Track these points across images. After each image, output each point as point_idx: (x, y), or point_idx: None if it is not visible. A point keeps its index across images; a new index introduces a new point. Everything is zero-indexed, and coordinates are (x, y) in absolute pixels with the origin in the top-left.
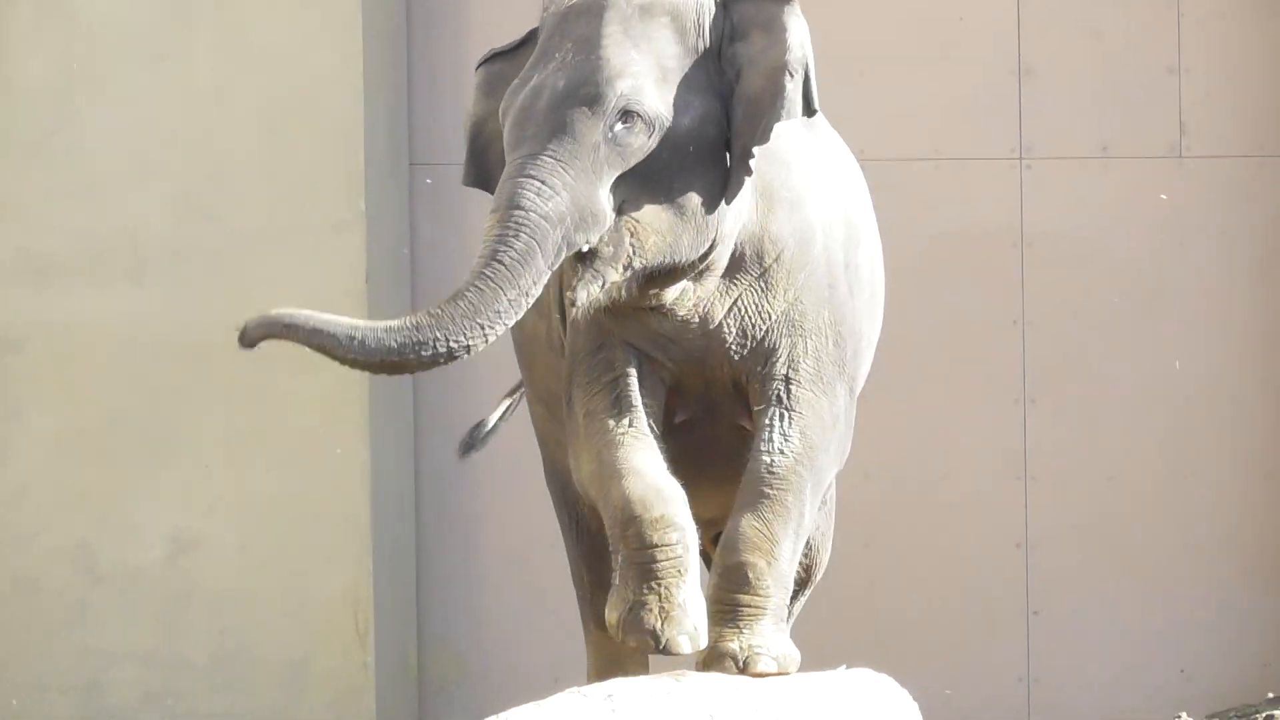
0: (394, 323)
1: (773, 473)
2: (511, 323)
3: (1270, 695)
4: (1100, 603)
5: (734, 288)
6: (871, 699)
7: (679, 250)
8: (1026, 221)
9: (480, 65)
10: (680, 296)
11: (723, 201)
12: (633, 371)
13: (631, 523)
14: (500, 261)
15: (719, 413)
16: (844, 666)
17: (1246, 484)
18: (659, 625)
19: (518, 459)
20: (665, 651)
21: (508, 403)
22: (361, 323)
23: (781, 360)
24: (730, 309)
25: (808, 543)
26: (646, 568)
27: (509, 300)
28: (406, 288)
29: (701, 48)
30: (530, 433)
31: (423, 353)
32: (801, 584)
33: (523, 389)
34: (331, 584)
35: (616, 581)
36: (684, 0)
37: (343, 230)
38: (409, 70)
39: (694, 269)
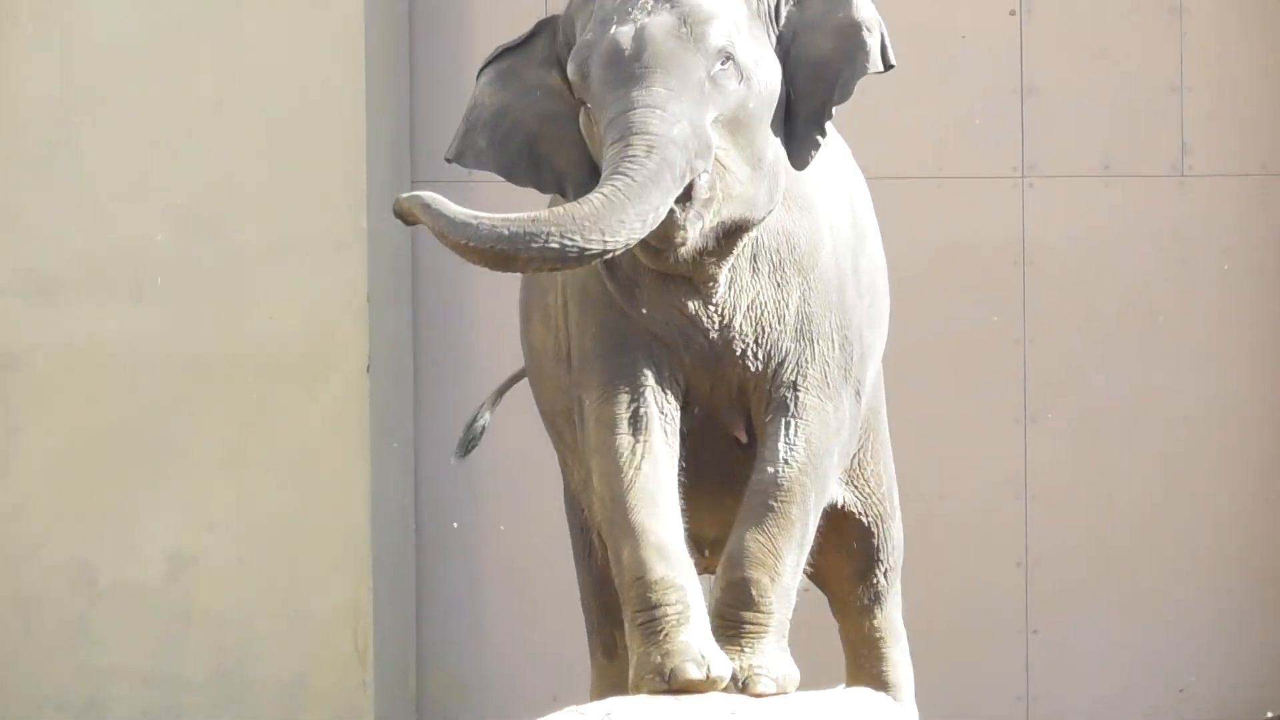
0: (514, 215)
1: (778, 484)
2: (636, 238)
3: (1269, 715)
4: (1099, 622)
5: (753, 285)
6: (870, 718)
7: (757, 203)
8: (1029, 239)
9: (488, 63)
10: (719, 278)
11: (790, 164)
12: (651, 376)
13: (635, 584)
14: (631, 177)
15: (717, 424)
16: (842, 685)
17: (1247, 504)
18: (663, 662)
19: (517, 479)
20: (675, 683)
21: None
22: (482, 213)
23: (789, 367)
24: (749, 308)
25: (868, 526)
26: (649, 627)
27: (636, 213)
28: (408, 306)
29: (763, 11)
30: (528, 454)
31: (533, 244)
32: (871, 565)
33: (508, 383)
34: (331, 602)
35: (628, 642)
36: None
37: (345, 248)
38: (411, 87)
39: (756, 226)
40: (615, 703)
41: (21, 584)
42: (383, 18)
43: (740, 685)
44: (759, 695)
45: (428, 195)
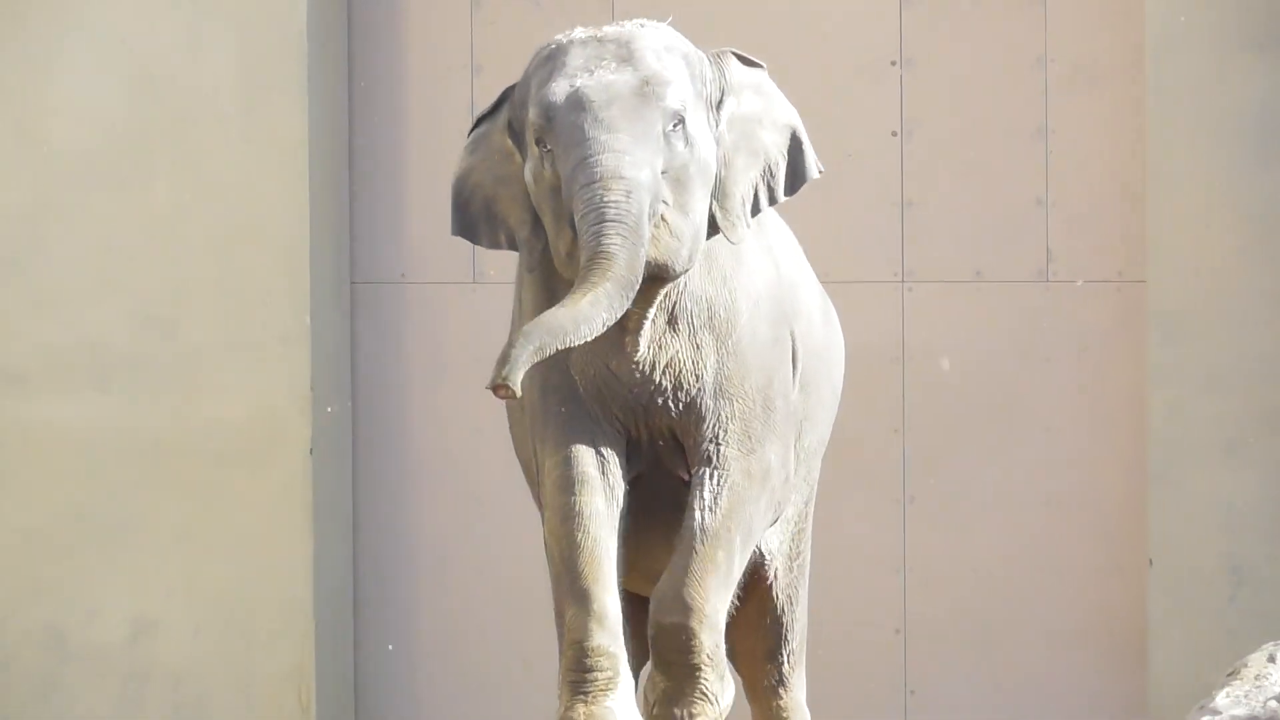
0: (579, 303)
1: (704, 529)
2: (638, 286)
3: None
4: (970, 683)
5: (671, 344)
6: None
7: (679, 258)
8: (907, 337)
9: (470, 131)
10: (641, 333)
11: (725, 238)
12: (594, 432)
13: (573, 646)
14: (625, 223)
15: (663, 466)
16: None
17: (1101, 578)
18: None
19: (448, 554)
20: None
21: None
22: (523, 344)
23: (709, 423)
24: (666, 365)
25: (778, 604)
26: (579, 686)
27: (641, 258)
28: (348, 395)
29: (704, 94)
30: (457, 526)
31: (611, 315)
32: (779, 642)
33: None
34: (277, 663)
35: (558, 692)
36: (690, 48)
37: (289, 342)
38: (350, 198)
39: (673, 283)
40: None
41: None
42: (324, 136)
43: None
44: None
45: (506, 373)
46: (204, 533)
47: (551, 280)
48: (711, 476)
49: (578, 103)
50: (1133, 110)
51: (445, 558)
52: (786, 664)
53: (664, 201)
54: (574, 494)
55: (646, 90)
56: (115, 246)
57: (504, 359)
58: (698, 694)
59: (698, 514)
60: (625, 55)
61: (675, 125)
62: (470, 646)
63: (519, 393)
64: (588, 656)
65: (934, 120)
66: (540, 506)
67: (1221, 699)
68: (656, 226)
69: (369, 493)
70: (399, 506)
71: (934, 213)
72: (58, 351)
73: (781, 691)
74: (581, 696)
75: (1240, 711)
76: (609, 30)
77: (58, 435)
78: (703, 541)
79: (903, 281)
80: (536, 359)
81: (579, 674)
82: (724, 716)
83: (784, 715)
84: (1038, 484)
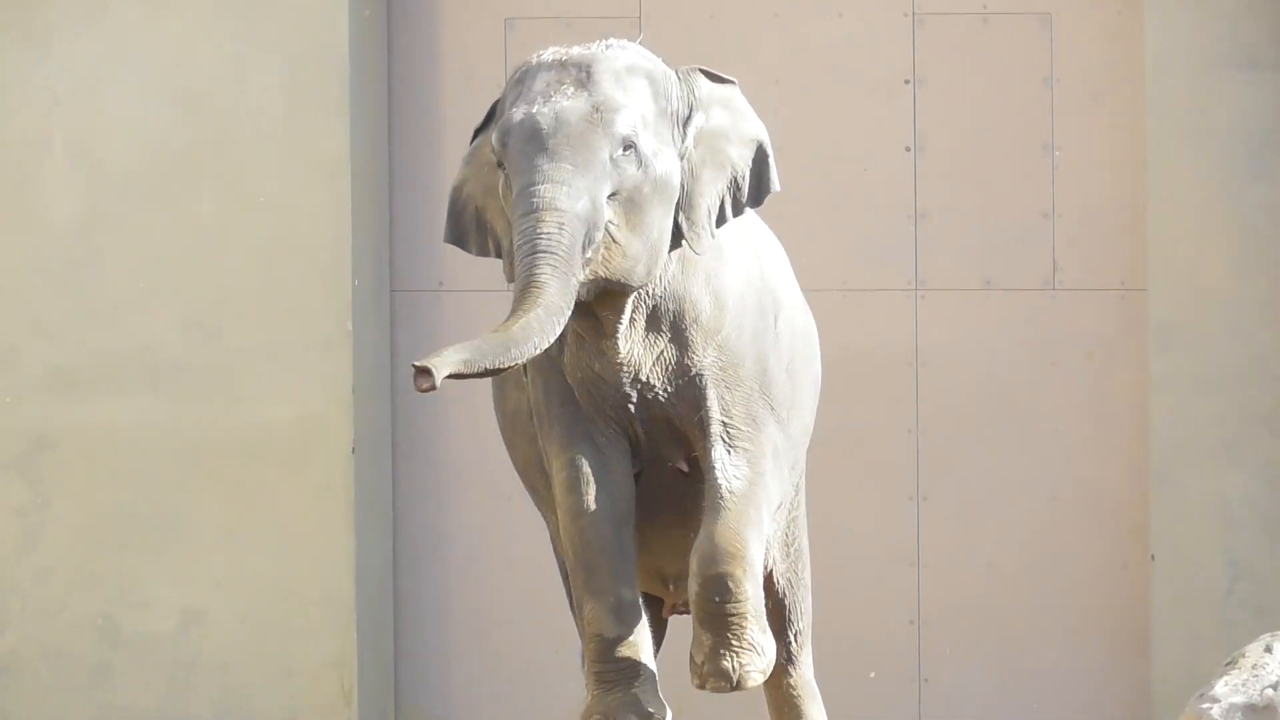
0: (510, 329)
1: (731, 491)
2: (566, 320)
3: None
4: (981, 672)
5: (658, 343)
6: None
7: (634, 274)
8: (920, 343)
9: (471, 140)
10: (618, 337)
11: (668, 249)
12: (598, 431)
13: (595, 639)
14: (557, 254)
15: (661, 458)
16: None
17: (1106, 571)
18: (610, 709)
19: (482, 549)
20: None
21: None
22: (457, 350)
23: (715, 406)
24: (655, 361)
25: (778, 587)
26: (603, 676)
27: (572, 287)
28: (387, 399)
29: (669, 111)
30: (494, 517)
31: (543, 340)
32: (784, 625)
33: None
34: (320, 652)
35: (585, 684)
36: (656, 66)
37: (332, 348)
38: (390, 210)
39: (638, 292)
40: None
41: (51, 637)
42: (365, 152)
43: (735, 684)
44: (752, 686)
45: (433, 362)
46: (250, 528)
47: None
48: (729, 451)
49: (528, 131)
50: (1134, 127)
51: (480, 552)
52: (794, 643)
53: (612, 223)
54: (582, 493)
55: (595, 117)
56: (165, 257)
57: (436, 354)
58: (745, 644)
59: (721, 480)
60: (583, 79)
61: (626, 149)
62: (503, 636)
63: (437, 385)
64: (611, 648)
65: (945, 136)
66: (544, 515)
67: (1220, 687)
68: (607, 248)
69: (407, 491)
70: (436, 504)
71: (945, 224)
72: (110, 356)
73: (791, 669)
74: (608, 686)
75: (1238, 699)
76: (574, 52)
77: (110, 436)
78: (733, 501)
79: (916, 289)
80: (462, 370)
81: (603, 665)
82: (769, 669)
83: (794, 692)
84: (1045, 482)
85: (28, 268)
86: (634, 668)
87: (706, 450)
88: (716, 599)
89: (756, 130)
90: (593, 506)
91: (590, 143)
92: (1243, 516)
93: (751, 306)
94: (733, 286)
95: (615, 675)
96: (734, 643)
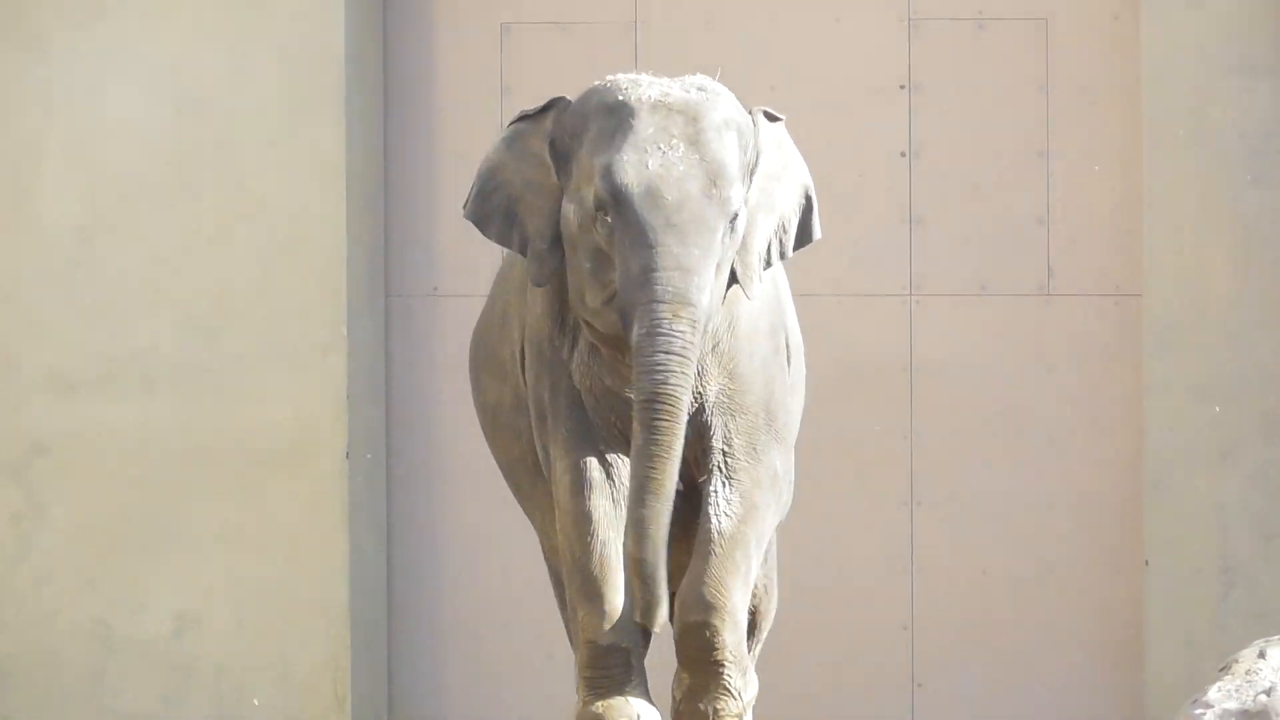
0: (660, 487)
1: (721, 533)
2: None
3: None
4: (975, 677)
5: None
6: None
7: (713, 321)
8: (915, 348)
9: (511, 122)
10: None
11: (743, 293)
12: (602, 436)
13: (588, 645)
14: (689, 359)
15: None
16: None
17: (1098, 577)
18: (602, 713)
19: (476, 552)
20: None
21: None
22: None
23: (717, 435)
24: None
25: (754, 594)
26: (594, 682)
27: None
28: (382, 404)
29: (746, 162)
30: (489, 521)
31: (676, 467)
32: (750, 629)
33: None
34: (314, 655)
35: (577, 688)
36: (743, 117)
37: (327, 352)
38: (386, 215)
39: None
40: None
41: (46, 641)
42: (361, 157)
43: None
44: None
45: (654, 605)
46: (245, 532)
47: (562, 295)
48: (724, 484)
49: (651, 197)
50: (1130, 133)
51: (474, 556)
52: (757, 648)
53: None
54: (585, 498)
55: (713, 193)
56: (162, 260)
57: (648, 600)
58: (720, 689)
59: (714, 519)
60: (693, 136)
61: (731, 223)
62: (497, 640)
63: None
64: (602, 654)
65: (941, 142)
66: (527, 512)
67: (1214, 693)
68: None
69: (402, 494)
70: (430, 507)
71: (941, 230)
72: (107, 359)
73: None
74: (599, 692)
75: (1232, 705)
76: (676, 97)
77: (107, 438)
78: (721, 544)
79: (911, 295)
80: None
81: (595, 671)
82: (747, 711)
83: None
84: (1039, 488)
85: (23, 271)
86: (625, 673)
87: (704, 480)
88: (695, 646)
89: (804, 174)
90: (594, 513)
91: (711, 224)
92: (1238, 522)
93: (764, 329)
94: (748, 311)
95: (607, 681)
96: (711, 686)
